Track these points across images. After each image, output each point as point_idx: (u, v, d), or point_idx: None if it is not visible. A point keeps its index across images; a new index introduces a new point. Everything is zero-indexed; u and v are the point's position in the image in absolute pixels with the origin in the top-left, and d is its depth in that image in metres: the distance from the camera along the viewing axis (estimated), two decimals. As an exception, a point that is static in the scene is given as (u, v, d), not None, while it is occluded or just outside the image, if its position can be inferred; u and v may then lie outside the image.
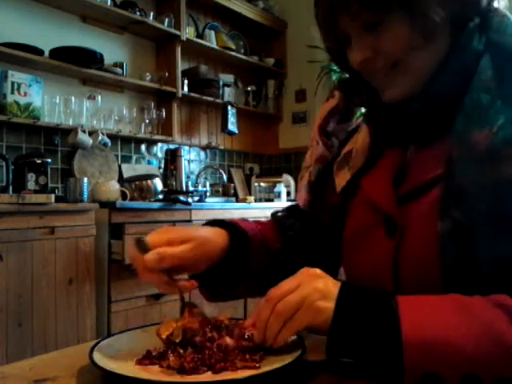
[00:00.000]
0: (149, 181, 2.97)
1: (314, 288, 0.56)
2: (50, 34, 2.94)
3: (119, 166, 3.31)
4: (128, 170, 3.33)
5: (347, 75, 0.78)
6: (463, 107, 0.61)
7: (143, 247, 0.64)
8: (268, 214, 3.56)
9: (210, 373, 0.56)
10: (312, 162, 0.82)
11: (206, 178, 3.92)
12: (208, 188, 3.76)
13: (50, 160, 2.71)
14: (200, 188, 3.66)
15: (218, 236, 0.73)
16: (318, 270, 0.61)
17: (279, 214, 0.88)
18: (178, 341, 0.61)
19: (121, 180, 3.16)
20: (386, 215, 0.67)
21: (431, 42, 0.63)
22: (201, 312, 0.68)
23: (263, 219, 0.87)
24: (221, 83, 3.90)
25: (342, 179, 0.76)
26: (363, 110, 0.79)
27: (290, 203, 0.92)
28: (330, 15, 0.66)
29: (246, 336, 0.63)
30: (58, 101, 2.92)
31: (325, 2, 0.66)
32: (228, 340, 0.62)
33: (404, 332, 0.50)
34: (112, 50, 3.28)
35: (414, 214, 0.64)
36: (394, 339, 0.50)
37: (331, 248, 0.80)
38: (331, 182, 0.78)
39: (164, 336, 0.63)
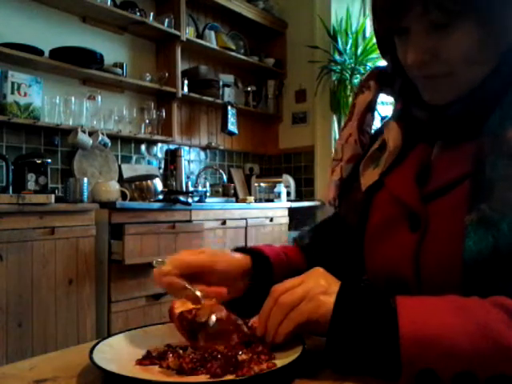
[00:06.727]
0: (149, 181, 2.97)
1: (317, 283, 0.59)
2: (50, 33, 2.94)
3: (119, 166, 3.31)
4: (128, 171, 3.33)
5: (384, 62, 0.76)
6: (501, 107, 0.61)
7: (161, 263, 0.71)
8: (268, 214, 3.55)
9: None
10: (346, 159, 0.82)
11: (205, 179, 3.92)
12: (208, 188, 3.76)
13: (50, 160, 2.72)
14: (200, 188, 3.66)
15: (235, 254, 0.76)
16: (321, 269, 0.62)
17: (300, 236, 0.89)
18: (203, 320, 0.62)
19: (121, 180, 3.16)
20: (410, 210, 0.67)
21: (494, 55, 0.62)
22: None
23: (287, 244, 0.88)
24: (221, 83, 3.90)
25: (368, 178, 0.77)
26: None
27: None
28: (396, 6, 0.61)
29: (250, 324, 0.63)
30: (58, 101, 2.92)
31: None
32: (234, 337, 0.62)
33: (401, 327, 0.51)
34: (112, 50, 3.28)
35: (438, 210, 0.64)
36: (392, 334, 0.51)
37: (357, 253, 0.79)
38: (357, 181, 0.79)
39: (177, 311, 0.63)
